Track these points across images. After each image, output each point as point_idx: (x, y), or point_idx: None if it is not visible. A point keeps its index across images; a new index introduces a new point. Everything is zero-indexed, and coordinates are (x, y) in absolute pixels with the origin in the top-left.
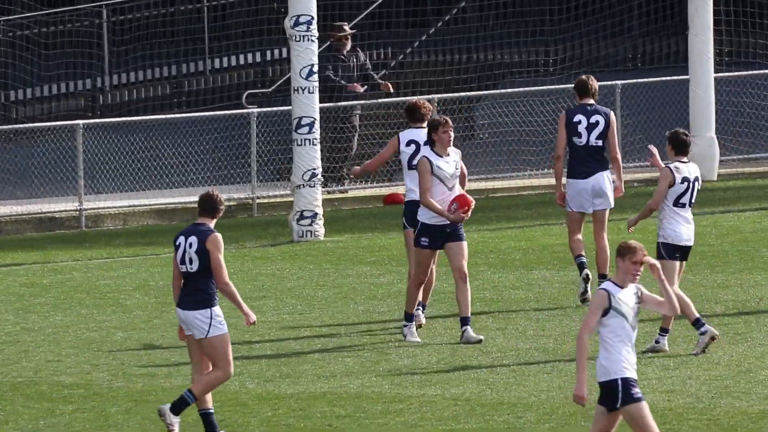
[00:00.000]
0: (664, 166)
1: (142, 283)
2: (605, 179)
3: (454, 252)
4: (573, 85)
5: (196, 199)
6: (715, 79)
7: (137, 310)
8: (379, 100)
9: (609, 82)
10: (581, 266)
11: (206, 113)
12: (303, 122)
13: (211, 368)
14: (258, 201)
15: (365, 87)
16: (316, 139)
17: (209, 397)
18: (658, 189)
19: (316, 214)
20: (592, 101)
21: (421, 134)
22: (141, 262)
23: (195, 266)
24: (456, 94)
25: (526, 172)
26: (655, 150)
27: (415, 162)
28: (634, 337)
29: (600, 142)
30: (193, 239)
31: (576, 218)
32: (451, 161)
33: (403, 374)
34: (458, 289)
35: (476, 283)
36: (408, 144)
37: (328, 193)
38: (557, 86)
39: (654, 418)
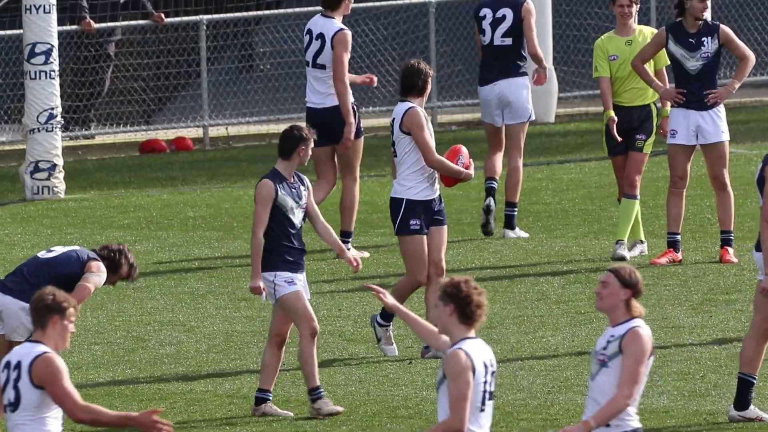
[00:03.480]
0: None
1: None
2: (516, 87)
3: (434, 239)
4: None
5: None
6: None
7: None
8: (141, 22)
9: (419, 0)
10: (487, 191)
11: None
12: (37, 50)
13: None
14: None
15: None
16: (54, 71)
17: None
18: None
19: (55, 165)
20: None
21: (319, 23)
22: None
23: None
24: (229, 15)
25: None
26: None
27: (311, 56)
28: None
29: (508, 41)
30: None
31: (488, 131)
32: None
33: (164, 365)
34: (430, 289)
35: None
36: (306, 32)
37: (71, 139)
38: (355, 5)
39: None
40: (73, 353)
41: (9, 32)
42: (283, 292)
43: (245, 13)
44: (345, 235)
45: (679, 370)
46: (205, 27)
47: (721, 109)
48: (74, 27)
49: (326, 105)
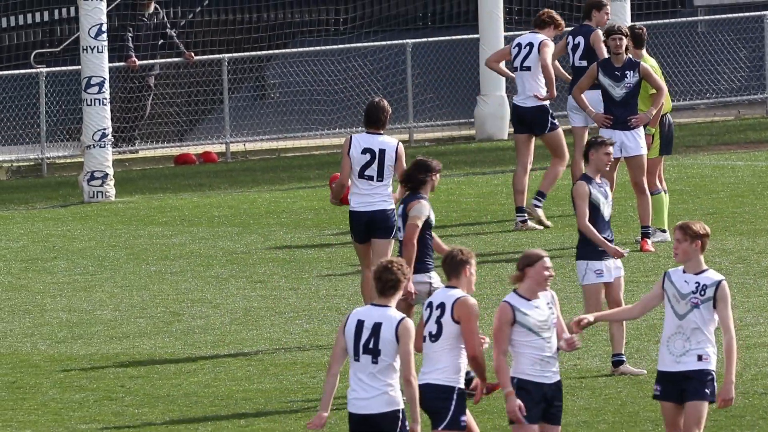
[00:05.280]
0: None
1: None
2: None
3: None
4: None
5: None
6: (505, 38)
7: None
8: (175, 60)
9: (399, 41)
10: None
11: None
12: (92, 82)
13: None
14: (48, 162)
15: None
16: (106, 98)
17: None
18: None
19: (107, 174)
20: (587, 21)
21: (527, 36)
22: None
23: None
24: (246, 54)
25: (317, 132)
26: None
27: (519, 61)
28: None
29: (584, 63)
30: None
31: (575, 132)
32: None
33: (196, 334)
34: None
35: (268, 243)
36: (516, 45)
37: (119, 153)
38: (347, 45)
39: None
40: (122, 325)
41: (70, 68)
42: (589, 281)
43: (258, 53)
44: (540, 195)
45: (609, 338)
46: (226, 63)
47: (640, 129)
48: (122, 64)
49: (527, 105)
